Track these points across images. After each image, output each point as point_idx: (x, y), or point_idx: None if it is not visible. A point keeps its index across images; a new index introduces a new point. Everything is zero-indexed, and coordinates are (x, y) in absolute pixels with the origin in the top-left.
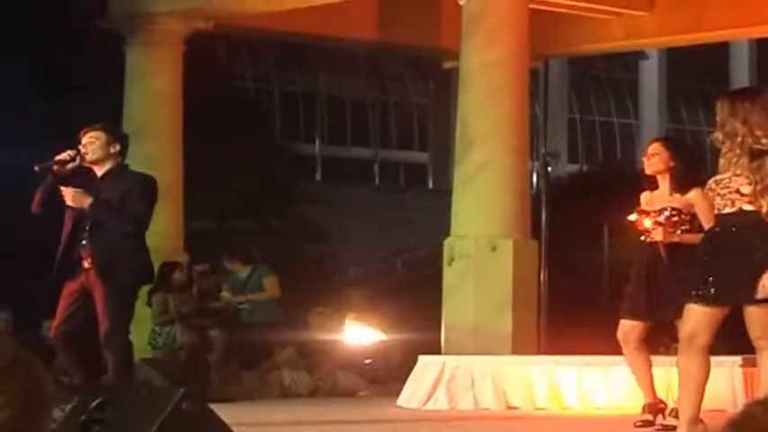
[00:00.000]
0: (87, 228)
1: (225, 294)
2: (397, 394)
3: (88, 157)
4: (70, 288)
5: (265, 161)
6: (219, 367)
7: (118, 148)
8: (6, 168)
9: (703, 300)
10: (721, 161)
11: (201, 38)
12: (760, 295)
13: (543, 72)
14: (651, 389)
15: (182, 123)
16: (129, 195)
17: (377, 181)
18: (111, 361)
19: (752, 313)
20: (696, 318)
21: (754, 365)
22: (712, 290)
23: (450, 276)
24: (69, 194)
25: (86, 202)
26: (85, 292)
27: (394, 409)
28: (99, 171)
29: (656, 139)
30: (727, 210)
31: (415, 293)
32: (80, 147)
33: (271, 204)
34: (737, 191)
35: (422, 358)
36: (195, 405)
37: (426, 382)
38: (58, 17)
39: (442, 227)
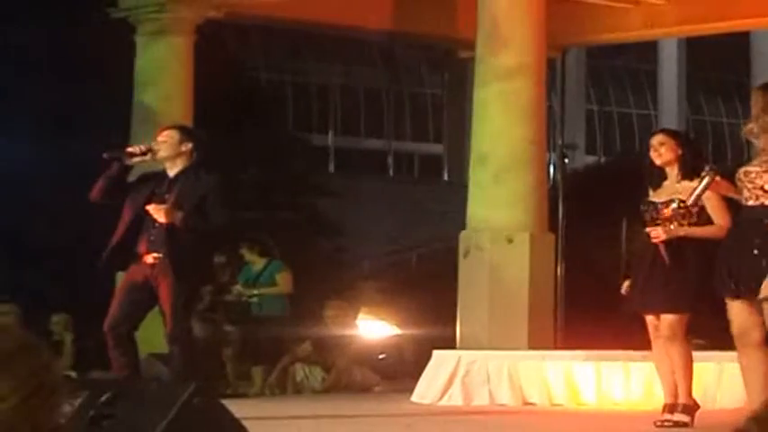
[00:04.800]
0: (158, 225)
1: (237, 287)
2: (411, 390)
3: (159, 155)
4: (128, 283)
5: (278, 152)
6: (233, 362)
7: (190, 146)
8: (16, 161)
9: (734, 293)
10: (757, 153)
11: (213, 27)
12: (762, 294)
13: (560, 62)
14: (674, 389)
15: (193, 114)
16: (205, 200)
17: (391, 173)
18: (177, 353)
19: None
20: (738, 313)
21: None
22: (735, 283)
23: (465, 270)
24: (161, 212)
25: (178, 216)
26: (146, 287)
27: (408, 404)
28: (171, 170)
29: (659, 131)
30: (751, 202)
31: (430, 287)
32: (153, 143)
33: (284, 196)
34: (762, 188)
35: (436, 353)
36: (207, 400)
37: (441, 378)
38: (70, 7)
39: (457, 219)
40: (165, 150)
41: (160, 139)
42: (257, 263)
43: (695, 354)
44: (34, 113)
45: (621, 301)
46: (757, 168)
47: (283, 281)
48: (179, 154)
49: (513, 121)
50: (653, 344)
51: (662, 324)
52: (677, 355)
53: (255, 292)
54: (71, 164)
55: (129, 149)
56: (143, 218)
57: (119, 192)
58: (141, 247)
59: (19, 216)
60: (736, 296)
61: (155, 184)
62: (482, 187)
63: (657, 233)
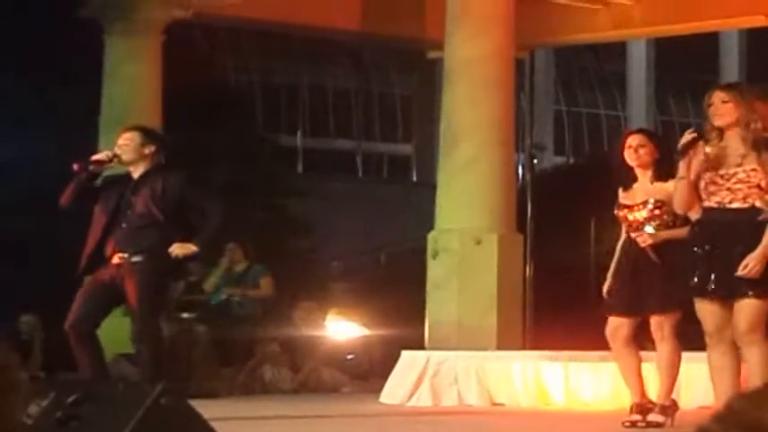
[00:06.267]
0: (125, 226)
1: (206, 285)
2: (380, 390)
3: (123, 159)
4: (92, 282)
5: (247, 153)
6: (202, 362)
7: (153, 149)
8: None
9: (710, 295)
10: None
11: (181, 27)
12: (739, 272)
13: (529, 63)
14: (640, 388)
15: (161, 114)
16: (184, 200)
17: (360, 173)
18: (145, 353)
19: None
20: (714, 312)
21: None
22: (714, 285)
23: (434, 270)
24: (177, 250)
25: (192, 249)
26: (112, 287)
27: (376, 405)
28: (135, 173)
29: (637, 132)
30: (736, 205)
31: (398, 288)
32: (116, 148)
33: (252, 197)
34: (758, 186)
35: (405, 353)
36: (174, 400)
37: (410, 378)
38: (38, 6)
39: (426, 220)
40: (127, 154)
41: (121, 142)
42: (239, 264)
43: (653, 354)
44: (4, 110)
45: (601, 302)
46: (740, 168)
47: (266, 285)
48: (142, 157)
49: (481, 122)
50: (612, 345)
51: (653, 325)
52: (666, 355)
53: (239, 291)
54: (40, 162)
55: (96, 157)
56: (112, 220)
57: (88, 197)
58: (108, 248)
59: None
60: (712, 298)
61: (121, 187)
62: (450, 188)
63: (644, 238)
